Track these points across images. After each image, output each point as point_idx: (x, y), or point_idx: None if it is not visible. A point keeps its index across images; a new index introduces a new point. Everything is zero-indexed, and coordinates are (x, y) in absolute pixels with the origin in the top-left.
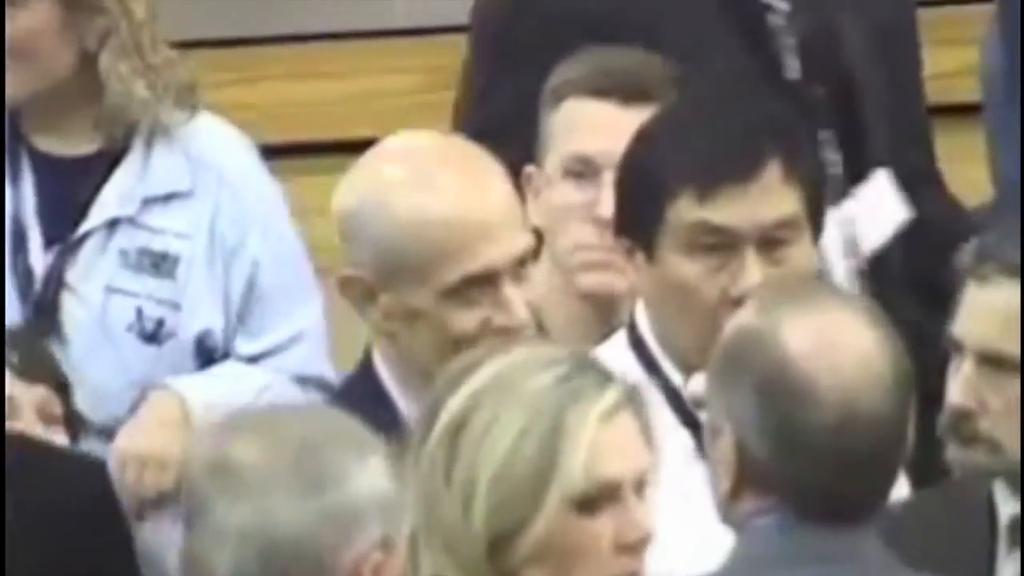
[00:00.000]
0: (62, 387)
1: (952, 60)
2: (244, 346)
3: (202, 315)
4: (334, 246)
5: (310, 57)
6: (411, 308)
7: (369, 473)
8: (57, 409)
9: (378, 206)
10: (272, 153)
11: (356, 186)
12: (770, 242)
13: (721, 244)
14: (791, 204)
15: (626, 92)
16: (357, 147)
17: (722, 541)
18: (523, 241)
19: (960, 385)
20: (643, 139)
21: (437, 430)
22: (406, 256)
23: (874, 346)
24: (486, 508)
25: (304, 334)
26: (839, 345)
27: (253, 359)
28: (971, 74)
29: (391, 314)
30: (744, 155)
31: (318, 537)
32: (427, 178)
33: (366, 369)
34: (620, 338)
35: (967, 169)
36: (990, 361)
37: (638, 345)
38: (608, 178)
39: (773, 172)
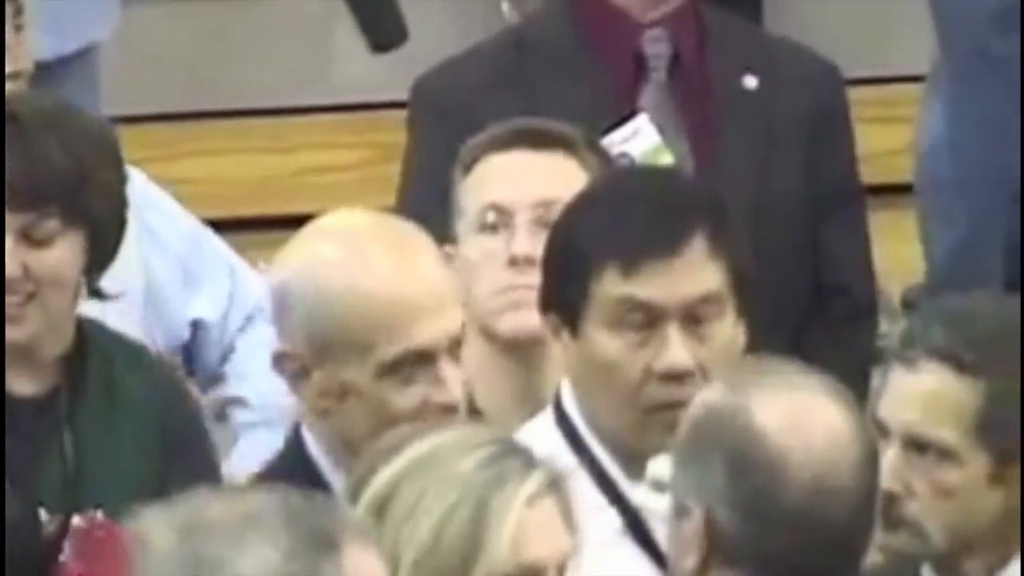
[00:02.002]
0: None
1: (885, 139)
2: (199, 308)
3: None
4: None
5: (254, 132)
6: (346, 384)
7: (252, 555)
8: None
9: (309, 282)
10: (218, 227)
11: (287, 263)
12: (693, 317)
13: (645, 319)
14: (715, 280)
15: (534, 140)
16: (301, 221)
17: None
18: (459, 319)
19: (886, 469)
20: (569, 214)
21: (361, 505)
22: (340, 331)
23: (843, 423)
24: None
25: (233, 265)
26: (809, 421)
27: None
28: (902, 153)
29: (325, 392)
30: (669, 229)
31: None
32: (359, 255)
33: (296, 444)
34: (547, 416)
35: (898, 247)
36: (915, 446)
37: (564, 423)
38: (521, 219)
39: (698, 247)
